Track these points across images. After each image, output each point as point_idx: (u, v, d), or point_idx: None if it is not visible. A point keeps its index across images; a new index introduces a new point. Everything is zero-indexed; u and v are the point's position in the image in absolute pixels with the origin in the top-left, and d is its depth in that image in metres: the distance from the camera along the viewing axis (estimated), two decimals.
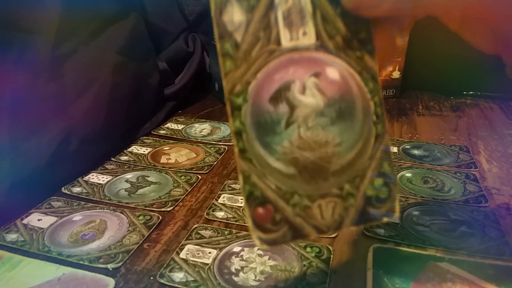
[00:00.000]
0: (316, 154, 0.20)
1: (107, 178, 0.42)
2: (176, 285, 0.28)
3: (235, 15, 0.20)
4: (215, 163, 0.46)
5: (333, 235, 0.33)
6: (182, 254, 0.31)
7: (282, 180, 0.20)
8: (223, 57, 0.20)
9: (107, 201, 0.38)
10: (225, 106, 0.20)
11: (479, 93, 0.70)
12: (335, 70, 0.20)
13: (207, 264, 0.30)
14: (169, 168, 0.44)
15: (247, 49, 0.20)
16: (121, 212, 0.36)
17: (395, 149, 0.49)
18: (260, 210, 0.20)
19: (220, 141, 0.52)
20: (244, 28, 0.20)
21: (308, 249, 0.31)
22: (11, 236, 0.33)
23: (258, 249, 0.31)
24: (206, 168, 0.44)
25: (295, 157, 0.20)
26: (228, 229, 0.34)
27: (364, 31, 0.21)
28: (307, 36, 0.20)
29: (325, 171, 0.20)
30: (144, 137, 0.53)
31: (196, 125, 0.57)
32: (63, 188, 0.40)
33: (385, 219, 0.21)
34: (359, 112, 0.21)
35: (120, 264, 0.30)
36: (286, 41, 0.20)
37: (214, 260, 0.30)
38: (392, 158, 0.21)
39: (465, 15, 0.22)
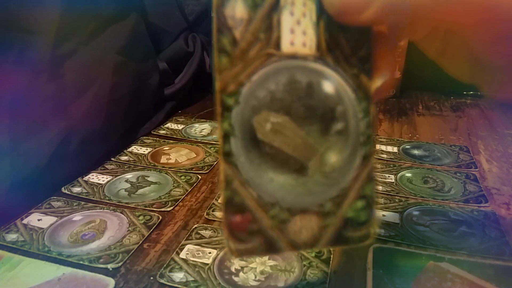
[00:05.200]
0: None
1: (107, 178, 0.42)
2: (176, 285, 0.28)
3: (237, 11, 0.19)
4: (215, 163, 0.46)
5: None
6: (182, 254, 0.31)
7: (265, 188, 0.19)
8: (218, 53, 0.19)
9: (107, 201, 0.38)
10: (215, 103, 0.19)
11: (479, 93, 0.70)
12: (331, 84, 0.20)
13: (207, 264, 0.30)
14: (169, 168, 0.44)
15: (245, 49, 0.19)
16: (121, 212, 0.36)
17: (395, 149, 0.49)
18: (238, 218, 0.19)
19: None
20: (244, 26, 0.19)
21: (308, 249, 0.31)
22: (11, 236, 0.33)
23: None
24: (206, 168, 0.44)
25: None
26: None
27: (365, 49, 0.20)
28: (308, 46, 0.19)
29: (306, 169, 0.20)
30: (144, 137, 0.53)
31: (196, 125, 0.57)
32: (63, 188, 0.40)
33: (359, 244, 0.20)
34: (348, 130, 0.20)
35: (120, 264, 0.30)
36: (285, 46, 0.19)
37: (214, 260, 0.30)
38: (375, 181, 0.21)
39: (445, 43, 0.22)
